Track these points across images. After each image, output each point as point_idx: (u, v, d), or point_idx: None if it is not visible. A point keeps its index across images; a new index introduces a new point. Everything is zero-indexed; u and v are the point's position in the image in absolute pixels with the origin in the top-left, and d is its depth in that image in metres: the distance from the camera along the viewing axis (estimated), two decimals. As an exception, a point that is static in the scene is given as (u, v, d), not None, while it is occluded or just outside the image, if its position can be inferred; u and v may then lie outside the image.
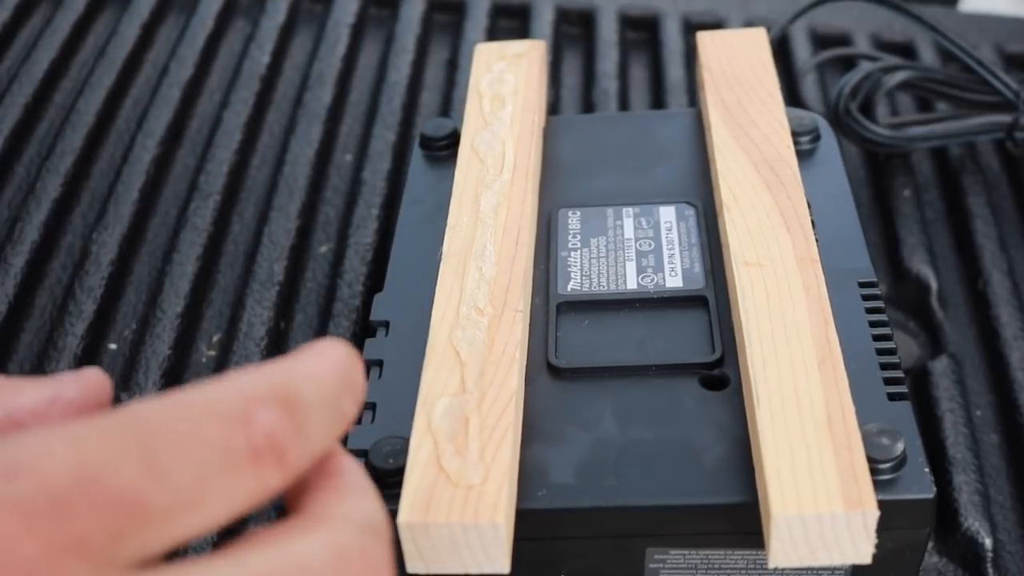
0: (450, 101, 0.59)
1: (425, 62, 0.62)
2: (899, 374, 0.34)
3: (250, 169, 0.55)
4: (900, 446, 0.31)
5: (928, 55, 0.62)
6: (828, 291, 0.35)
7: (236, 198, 0.53)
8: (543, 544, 0.33)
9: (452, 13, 0.65)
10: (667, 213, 0.42)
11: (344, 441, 0.34)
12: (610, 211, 0.42)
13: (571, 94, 0.61)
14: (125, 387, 0.44)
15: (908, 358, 0.48)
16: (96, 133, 0.55)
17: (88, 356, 0.45)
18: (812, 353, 0.33)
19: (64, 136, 0.54)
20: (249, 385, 0.21)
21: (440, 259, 0.38)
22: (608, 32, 0.63)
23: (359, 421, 0.34)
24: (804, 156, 0.43)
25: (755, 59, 0.46)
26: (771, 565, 0.30)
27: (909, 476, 0.31)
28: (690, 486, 0.32)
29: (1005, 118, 0.52)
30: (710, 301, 0.37)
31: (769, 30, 0.49)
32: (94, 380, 0.25)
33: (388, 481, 0.32)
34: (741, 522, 0.31)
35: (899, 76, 0.52)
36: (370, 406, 0.35)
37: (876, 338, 0.35)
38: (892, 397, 0.33)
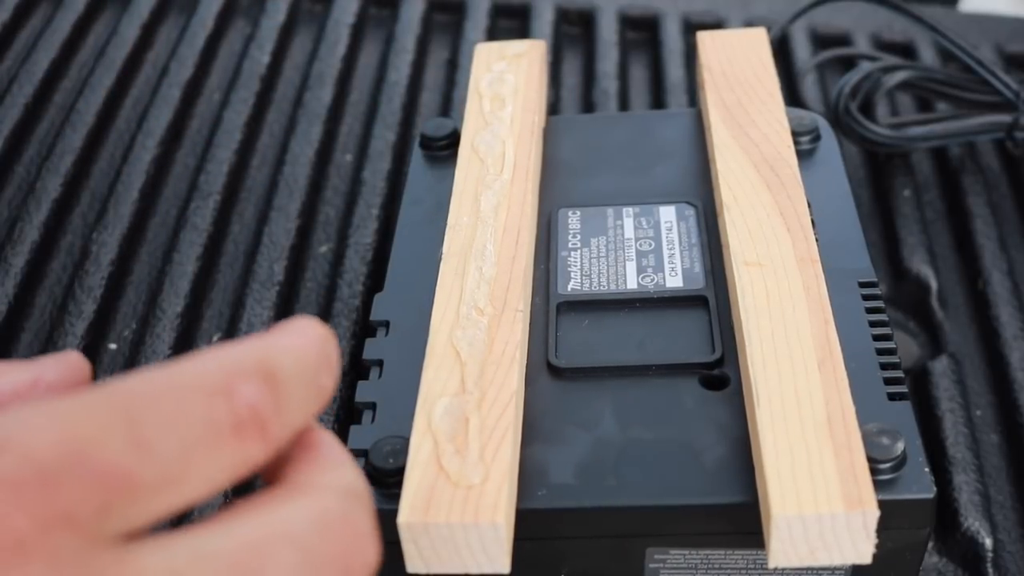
0: (450, 101, 0.59)
1: (425, 62, 0.62)
2: (899, 374, 0.34)
3: (250, 169, 0.55)
4: (900, 446, 0.31)
5: (928, 55, 0.62)
6: (828, 291, 0.35)
7: (236, 198, 0.53)
8: (543, 544, 0.33)
9: (452, 13, 0.65)
10: (667, 213, 0.42)
11: (345, 441, 0.34)
12: (610, 211, 0.42)
13: (571, 94, 0.61)
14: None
15: (908, 358, 0.48)
16: (96, 133, 0.55)
17: (88, 356, 0.45)
18: (812, 353, 0.33)
19: (64, 136, 0.54)
20: (231, 359, 0.21)
21: (440, 259, 0.38)
22: (608, 32, 0.63)
23: (359, 421, 0.34)
24: (804, 156, 0.43)
25: (755, 59, 0.46)
26: (771, 565, 0.30)
27: (909, 476, 0.31)
28: (690, 486, 0.32)
29: (1005, 118, 0.52)
30: (710, 301, 0.37)
31: (769, 30, 0.49)
32: (74, 362, 0.25)
33: (388, 481, 0.32)
34: (741, 522, 0.31)
35: (899, 76, 0.52)
36: (370, 406, 0.35)
37: (876, 338, 0.35)
38: (892, 397, 0.33)
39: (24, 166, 0.54)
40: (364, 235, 0.51)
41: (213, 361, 0.21)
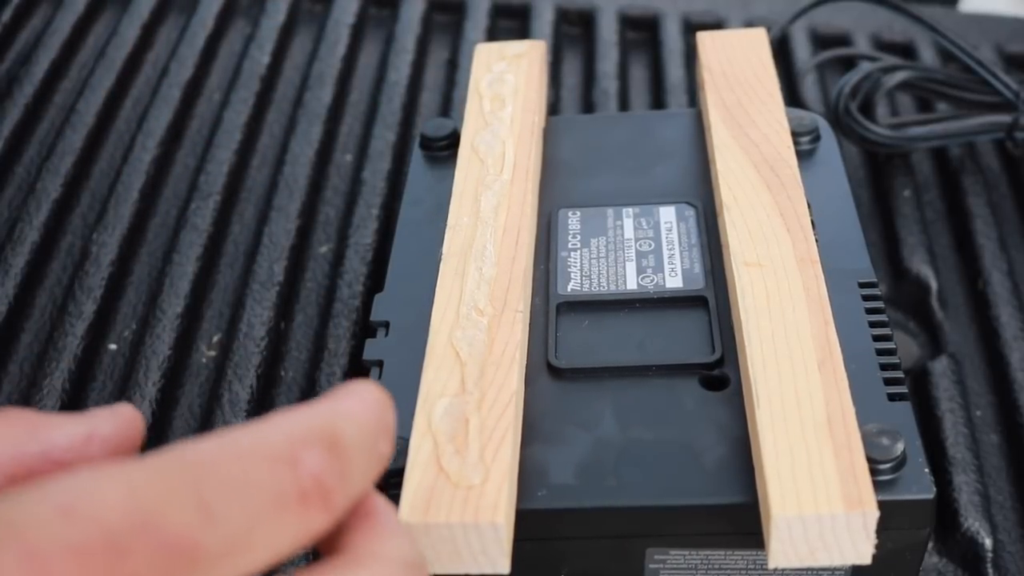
0: (450, 101, 0.59)
1: (425, 62, 0.62)
2: (899, 374, 0.34)
3: (250, 169, 0.55)
4: (900, 446, 0.31)
5: (928, 55, 0.62)
6: (828, 291, 0.35)
7: (236, 198, 0.53)
8: (543, 544, 0.33)
9: (452, 13, 0.65)
10: (667, 213, 0.42)
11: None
12: (610, 211, 0.42)
13: (571, 94, 0.61)
14: (125, 387, 0.44)
15: (908, 358, 0.48)
16: (96, 133, 0.55)
17: (88, 356, 0.45)
18: (812, 353, 0.33)
19: (64, 136, 0.54)
20: (294, 426, 0.22)
21: (440, 259, 0.38)
22: (608, 32, 0.63)
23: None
24: (804, 156, 0.43)
25: (755, 59, 0.46)
26: (771, 565, 0.30)
27: (909, 476, 0.31)
28: (690, 486, 0.32)
29: (1005, 118, 0.52)
30: (710, 301, 0.37)
31: (769, 30, 0.49)
32: (128, 416, 0.25)
33: (388, 481, 0.32)
34: (741, 522, 0.31)
35: (899, 76, 0.52)
36: (370, 406, 0.35)
37: (876, 338, 0.35)
38: (892, 397, 0.33)
39: (24, 166, 0.54)
40: (364, 235, 0.51)
41: (277, 428, 0.21)
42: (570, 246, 0.40)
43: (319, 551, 0.23)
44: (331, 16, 0.62)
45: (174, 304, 0.47)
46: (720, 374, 0.35)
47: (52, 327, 0.46)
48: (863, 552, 0.29)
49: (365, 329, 0.46)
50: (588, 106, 0.59)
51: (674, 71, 0.61)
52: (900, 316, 0.50)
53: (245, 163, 0.55)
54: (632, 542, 0.33)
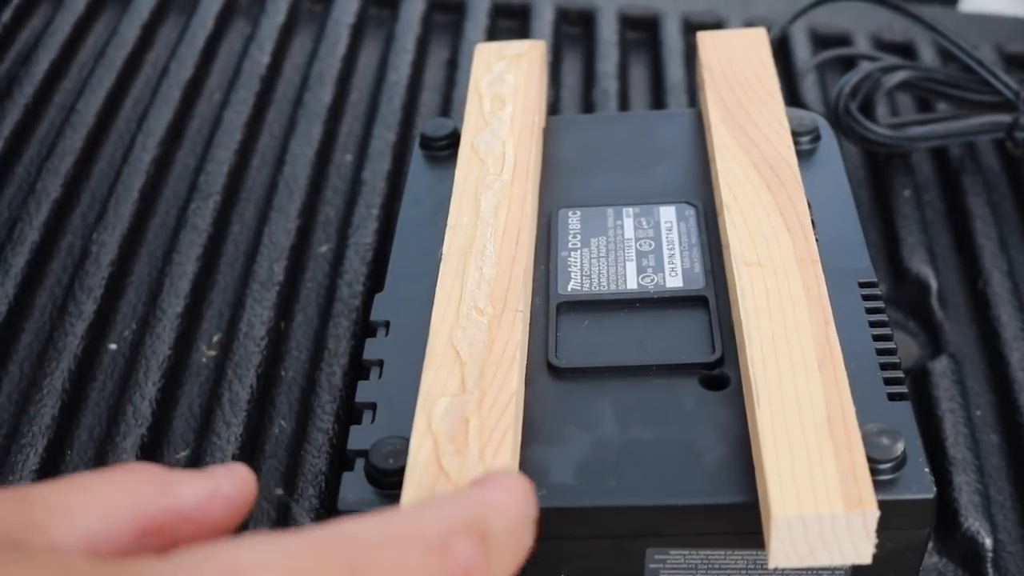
0: (450, 101, 0.59)
1: (425, 62, 0.62)
2: (899, 374, 0.34)
3: (250, 169, 0.55)
4: (900, 446, 0.31)
5: (928, 55, 0.62)
6: (828, 291, 0.35)
7: (236, 198, 0.53)
8: (543, 544, 0.32)
9: (452, 13, 0.65)
10: (667, 213, 0.42)
11: (345, 441, 0.34)
12: (610, 211, 0.42)
13: (571, 94, 0.61)
14: (125, 387, 0.44)
15: (908, 358, 0.48)
16: (96, 133, 0.55)
17: (88, 356, 0.45)
18: (812, 353, 0.33)
19: (64, 136, 0.54)
20: (447, 514, 0.23)
21: (440, 259, 0.38)
22: (608, 32, 0.63)
23: (359, 421, 0.34)
24: (804, 156, 0.43)
25: (755, 59, 0.46)
26: (771, 565, 0.30)
27: (909, 476, 0.31)
28: (690, 486, 0.32)
29: (1005, 118, 0.52)
30: (710, 301, 0.37)
31: (769, 30, 0.49)
32: (245, 476, 0.26)
33: (388, 481, 0.32)
34: (741, 522, 0.31)
35: (899, 76, 0.52)
36: (370, 406, 0.35)
37: (876, 338, 0.35)
38: (892, 397, 0.33)
39: (24, 166, 0.54)
40: (364, 235, 0.51)
41: (432, 515, 0.22)
42: (570, 246, 0.40)
43: None
44: (331, 16, 0.62)
45: (174, 304, 0.47)
46: (720, 374, 0.35)
47: (52, 327, 0.46)
48: (863, 552, 0.29)
49: (365, 329, 0.46)
50: (588, 106, 0.59)
51: (674, 71, 0.61)
52: (900, 316, 0.50)
53: (245, 163, 0.55)
54: (632, 542, 0.33)
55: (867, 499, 0.29)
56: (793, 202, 0.39)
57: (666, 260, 0.39)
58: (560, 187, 0.43)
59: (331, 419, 0.43)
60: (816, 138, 0.44)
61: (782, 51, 0.61)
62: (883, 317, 0.36)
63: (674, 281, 0.38)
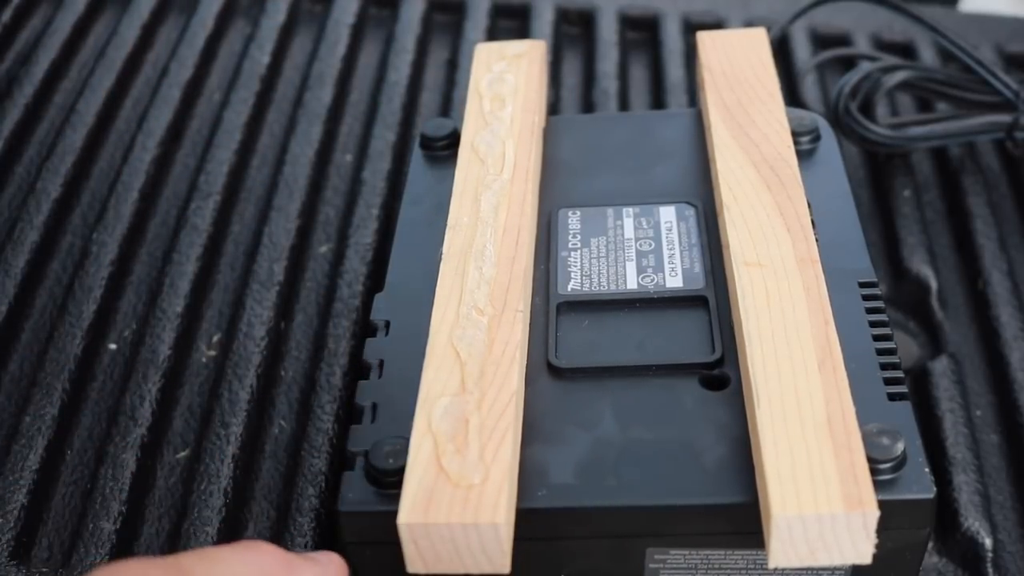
0: (450, 101, 0.59)
1: (425, 62, 0.62)
2: (899, 374, 0.34)
3: (250, 169, 0.55)
4: (900, 446, 0.31)
5: (928, 55, 0.62)
6: (828, 291, 0.35)
7: (236, 198, 0.53)
8: (543, 544, 0.33)
9: (452, 13, 0.65)
10: (667, 213, 0.42)
11: (345, 441, 0.34)
12: (610, 211, 0.42)
13: (571, 94, 0.61)
14: (125, 387, 0.44)
15: (908, 358, 0.48)
16: (96, 133, 0.55)
17: (88, 356, 0.45)
18: (812, 353, 0.33)
19: (64, 136, 0.54)
20: None
21: (440, 259, 0.38)
22: (608, 32, 0.63)
23: (359, 421, 0.34)
24: (804, 156, 0.43)
25: (755, 59, 0.46)
26: (771, 565, 0.30)
27: (909, 476, 0.31)
28: (690, 486, 0.32)
29: (1005, 118, 0.52)
30: (710, 301, 0.37)
31: (769, 30, 0.49)
32: (342, 567, 0.31)
33: (388, 481, 0.32)
34: (741, 522, 0.31)
35: (899, 76, 0.52)
36: (370, 406, 0.35)
37: (876, 338, 0.35)
38: (892, 397, 0.33)
39: (24, 166, 0.54)
40: (364, 235, 0.51)
41: None
42: (570, 246, 0.40)
43: None
44: (331, 16, 0.62)
45: (174, 304, 0.47)
46: (720, 374, 0.35)
47: (52, 327, 0.46)
48: (863, 552, 0.29)
49: (365, 329, 0.46)
50: (588, 106, 0.59)
51: (674, 71, 0.61)
52: (900, 316, 0.50)
53: (245, 163, 0.55)
54: (632, 542, 0.33)
55: (867, 499, 0.29)
56: (793, 202, 0.39)
57: (666, 260, 0.39)
58: (560, 187, 0.43)
59: (331, 419, 0.43)
60: (816, 138, 0.44)
61: (782, 51, 0.61)
62: (883, 317, 0.36)
63: (674, 281, 0.39)
